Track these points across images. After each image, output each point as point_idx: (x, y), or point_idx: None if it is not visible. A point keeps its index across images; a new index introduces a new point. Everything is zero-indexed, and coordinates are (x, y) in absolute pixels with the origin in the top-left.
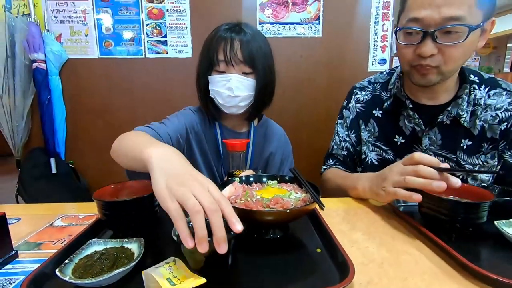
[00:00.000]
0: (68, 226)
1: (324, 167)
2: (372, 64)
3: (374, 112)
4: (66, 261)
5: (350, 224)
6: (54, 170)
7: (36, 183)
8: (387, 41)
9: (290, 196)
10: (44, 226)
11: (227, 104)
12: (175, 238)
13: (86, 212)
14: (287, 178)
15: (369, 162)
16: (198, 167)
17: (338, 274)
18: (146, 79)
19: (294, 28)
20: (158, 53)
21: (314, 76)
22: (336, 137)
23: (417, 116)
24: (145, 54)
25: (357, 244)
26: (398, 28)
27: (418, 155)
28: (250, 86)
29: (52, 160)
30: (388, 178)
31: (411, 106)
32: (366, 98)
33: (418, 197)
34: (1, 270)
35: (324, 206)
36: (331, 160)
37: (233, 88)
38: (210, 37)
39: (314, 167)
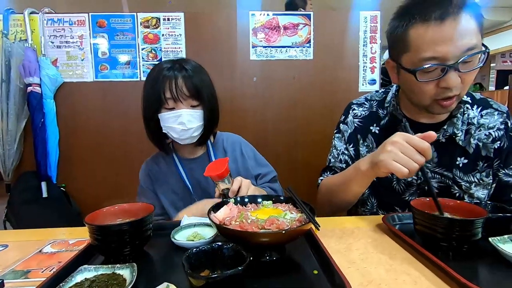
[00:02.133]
0: (58, 252)
1: (321, 178)
2: (363, 85)
3: (371, 128)
4: None
5: (347, 244)
6: (45, 194)
7: (26, 207)
8: (375, 62)
9: (286, 217)
10: (33, 253)
11: (182, 137)
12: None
13: (77, 237)
14: (282, 198)
15: None
16: (169, 205)
17: None
18: (140, 101)
19: (286, 51)
20: None
21: (307, 97)
22: (334, 150)
23: (413, 134)
24: (140, 77)
25: (355, 264)
26: (413, 69)
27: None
28: (199, 116)
29: (44, 184)
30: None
31: (407, 123)
32: (363, 114)
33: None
34: None
35: (319, 226)
36: (328, 172)
37: (185, 122)
38: (152, 77)
39: (310, 187)
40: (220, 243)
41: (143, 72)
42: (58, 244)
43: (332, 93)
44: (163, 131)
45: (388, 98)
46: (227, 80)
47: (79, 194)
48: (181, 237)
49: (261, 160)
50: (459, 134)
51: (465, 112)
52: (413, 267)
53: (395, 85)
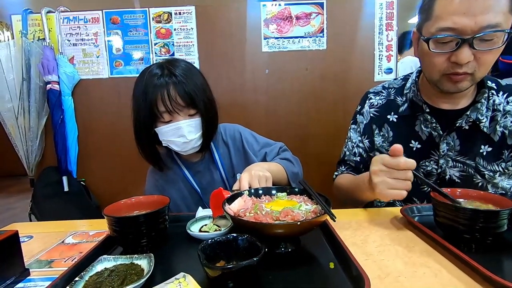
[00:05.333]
0: (79, 243)
1: (336, 173)
2: (379, 74)
3: (388, 116)
4: (77, 279)
5: (363, 236)
6: (66, 188)
7: (48, 201)
8: (392, 50)
9: (300, 208)
10: (55, 243)
11: (184, 149)
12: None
13: (97, 229)
14: (296, 190)
15: None
16: (179, 210)
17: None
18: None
19: (299, 41)
20: None
21: (320, 89)
22: (349, 142)
23: (434, 120)
24: None
25: (372, 257)
26: (427, 37)
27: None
28: (198, 125)
29: (64, 179)
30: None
31: (428, 110)
32: (380, 103)
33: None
34: None
35: (335, 217)
36: (343, 166)
37: (185, 135)
38: (141, 89)
39: (323, 179)
40: (235, 235)
41: None
42: (79, 236)
43: (346, 84)
44: (163, 144)
45: (408, 85)
46: (239, 73)
47: (98, 188)
48: (196, 229)
49: (262, 140)
50: (484, 120)
51: (490, 98)
52: (433, 260)
53: (415, 71)
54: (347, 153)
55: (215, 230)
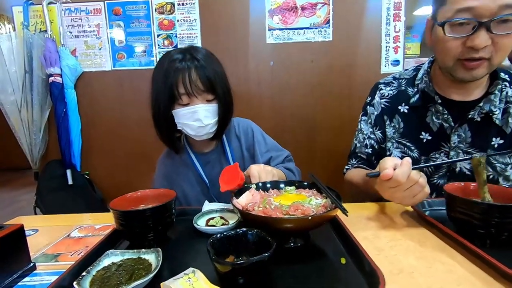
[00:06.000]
0: (85, 237)
1: (347, 167)
2: (385, 66)
3: (399, 107)
4: (84, 273)
5: (374, 230)
6: (70, 182)
7: (53, 194)
8: (399, 41)
9: (310, 202)
10: (61, 237)
11: (199, 134)
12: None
13: (103, 222)
14: (305, 183)
15: None
16: (188, 202)
17: (366, 285)
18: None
19: (304, 33)
20: None
21: (325, 81)
22: (360, 134)
23: (446, 112)
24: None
25: (383, 252)
26: (442, 21)
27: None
28: (215, 111)
29: (69, 172)
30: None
31: (440, 101)
32: (391, 94)
33: None
34: (20, 283)
35: (347, 212)
36: (354, 159)
37: (201, 119)
38: (162, 70)
39: (330, 173)
40: (244, 229)
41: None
42: (84, 229)
43: (352, 76)
44: (178, 127)
45: (420, 75)
46: (243, 65)
47: (102, 181)
48: (203, 223)
49: (271, 143)
50: (496, 112)
51: (503, 89)
52: (446, 255)
53: (427, 62)
54: (358, 145)
55: (222, 224)
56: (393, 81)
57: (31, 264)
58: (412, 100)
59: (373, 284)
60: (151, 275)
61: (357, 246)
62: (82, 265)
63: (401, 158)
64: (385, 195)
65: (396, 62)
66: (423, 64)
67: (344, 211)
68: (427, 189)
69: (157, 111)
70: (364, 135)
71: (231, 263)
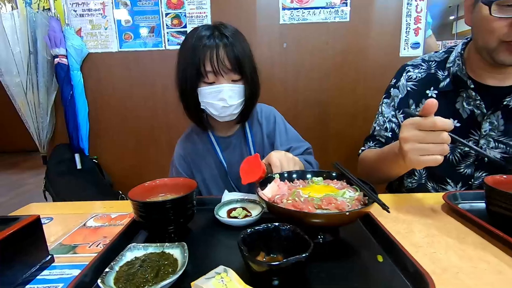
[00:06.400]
0: (101, 226)
1: (363, 148)
2: (405, 49)
3: (427, 92)
4: (107, 270)
5: (405, 224)
6: (79, 166)
7: (62, 179)
8: (420, 22)
9: (344, 196)
10: (77, 226)
11: (222, 114)
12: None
13: (118, 211)
14: (334, 174)
15: None
16: (206, 185)
17: (412, 287)
18: (166, 72)
19: (320, 12)
20: (178, 44)
21: (341, 64)
22: (380, 117)
23: (479, 97)
24: (165, 46)
25: (421, 249)
26: (488, 0)
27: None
28: (241, 92)
29: (77, 156)
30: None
31: (472, 86)
32: (419, 77)
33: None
34: (39, 277)
35: (388, 208)
36: (371, 142)
37: (226, 99)
38: (190, 46)
39: (343, 161)
40: (277, 224)
41: (168, 40)
42: (100, 218)
43: (369, 60)
44: (201, 106)
45: (452, 58)
46: (254, 47)
47: (111, 166)
48: (224, 214)
49: (292, 133)
50: None
51: None
52: (490, 254)
53: (460, 43)
54: (377, 128)
55: (245, 216)
56: (422, 64)
57: (49, 257)
58: (442, 84)
59: (419, 287)
60: (179, 273)
61: (395, 243)
62: (103, 259)
63: None
64: (408, 146)
65: (416, 45)
66: (455, 46)
67: (385, 207)
68: (447, 149)
69: (184, 88)
70: (385, 118)
71: (268, 263)
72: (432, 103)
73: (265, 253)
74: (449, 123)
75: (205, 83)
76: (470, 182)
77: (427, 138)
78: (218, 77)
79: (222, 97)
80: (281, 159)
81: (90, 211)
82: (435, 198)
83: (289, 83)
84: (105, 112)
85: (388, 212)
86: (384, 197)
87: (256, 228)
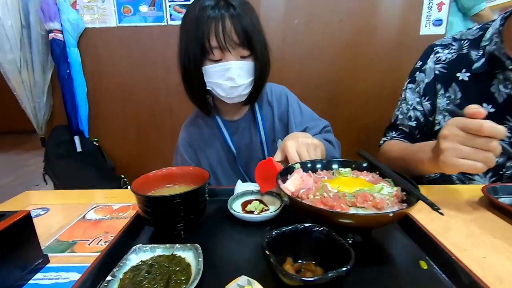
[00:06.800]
0: (102, 219)
1: (384, 138)
2: (426, 26)
3: (458, 74)
4: (109, 278)
5: (442, 221)
6: (79, 149)
7: (61, 162)
8: None
9: (382, 192)
10: (76, 219)
11: (230, 95)
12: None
13: (121, 202)
14: (364, 165)
15: None
16: (214, 171)
17: None
18: (167, 49)
19: None
20: (180, 19)
21: (355, 43)
22: (403, 104)
23: None
24: (166, 21)
25: (467, 252)
26: None
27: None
28: (250, 70)
29: (77, 138)
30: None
31: (511, 67)
32: (449, 58)
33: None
34: (31, 281)
35: (440, 210)
36: (393, 132)
37: (234, 78)
38: (192, 19)
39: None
40: (307, 225)
41: (170, 15)
42: (101, 210)
43: (386, 39)
44: (207, 87)
45: (488, 35)
46: (263, 24)
47: (112, 149)
48: (238, 207)
49: (307, 111)
50: None
51: None
52: None
53: (499, 18)
54: (400, 116)
55: (262, 210)
56: (453, 43)
57: (43, 257)
58: (476, 65)
59: None
60: (194, 283)
61: (440, 247)
62: (104, 262)
63: None
64: (447, 144)
65: (438, 22)
66: (492, 21)
67: (436, 208)
68: (492, 159)
69: (187, 67)
70: (409, 106)
71: (302, 279)
72: (478, 113)
73: (292, 259)
74: (501, 130)
75: (211, 61)
76: (501, 173)
77: (470, 141)
78: (225, 53)
79: (230, 76)
80: (299, 149)
81: (90, 201)
82: (470, 191)
83: (299, 63)
84: (104, 92)
85: (442, 214)
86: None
87: (282, 229)
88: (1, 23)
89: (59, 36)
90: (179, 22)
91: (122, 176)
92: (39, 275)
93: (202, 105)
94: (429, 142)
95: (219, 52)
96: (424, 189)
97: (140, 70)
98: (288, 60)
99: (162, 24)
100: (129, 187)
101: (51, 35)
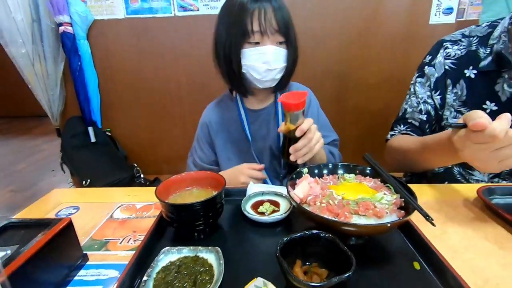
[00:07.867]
0: (129, 218)
1: (392, 132)
2: (436, 15)
3: (466, 71)
4: (145, 278)
5: (439, 224)
6: (93, 139)
7: (77, 152)
8: None
9: (382, 201)
10: (105, 218)
11: (264, 78)
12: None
13: (143, 201)
14: (368, 171)
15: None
16: (227, 151)
17: None
18: (176, 40)
19: None
20: (188, 9)
21: (364, 32)
22: (413, 98)
23: None
24: (174, 12)
25: (458, 254)
26: None
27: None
28: (284, 56)
29: (90, 129)
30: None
31: None
32: (459, 54)
33: None
34: (76, 277)
35: (433, 220)
36: (402, 125)
37: (270, 61)
38: (235, 7)
39: (358, 139)
40: (315, 231)
41: (178, 6)
42: (126, 209)
43: (394, 28)
44: (243, 70)
45: (496, 33)
46: None
47: (124, 138)
48: (249, 208)
49: (323, 120)
50: None
51: None
52: None
53: (508, 17)
54: (409, 110)
55: (273, 211)
56: (462, 39)
57: (83, 255)
58: (483, 63)
59: None
60: (218, 283)
61: (433, 250)
62: (138, 262)
63: None
64: (466, 153)
65: (449, 11)
66: (501, 19)
67: (429, 219)
68: None
69: (228, 50)
70: (419, 99)
71: (308, 283)
72: (477, 127)
73: (301, 261)
74: (505, 131)
75: (249, 44)
76: None
77: (494, 146)
78: (264, 37)
79: (266, 59)
80: (312, 127)
81: (114, 200)
82: (468, 191)
83: (307, 52)
84: (115, 84)
85: (434, 225)
86: (417, 190)
87: (292, 236)
88: (12, 17)
89: (69, 29)
90: (185, 13)
91: (135, 164)
92: (82, 272)
93: (238, 84)
94: (442, 135)
95: (259, 35)
96: (425, 188)
97: (149, 60)
98: None
99: (170, 15)
100: (141, 175)
101: (61, 28)
